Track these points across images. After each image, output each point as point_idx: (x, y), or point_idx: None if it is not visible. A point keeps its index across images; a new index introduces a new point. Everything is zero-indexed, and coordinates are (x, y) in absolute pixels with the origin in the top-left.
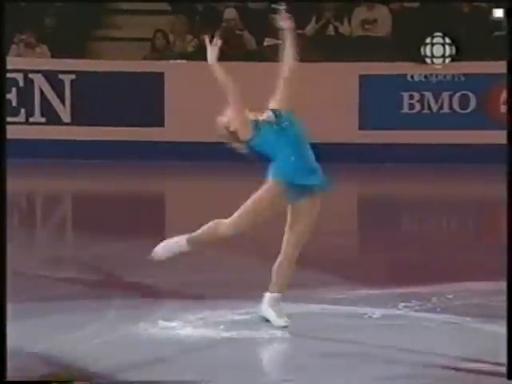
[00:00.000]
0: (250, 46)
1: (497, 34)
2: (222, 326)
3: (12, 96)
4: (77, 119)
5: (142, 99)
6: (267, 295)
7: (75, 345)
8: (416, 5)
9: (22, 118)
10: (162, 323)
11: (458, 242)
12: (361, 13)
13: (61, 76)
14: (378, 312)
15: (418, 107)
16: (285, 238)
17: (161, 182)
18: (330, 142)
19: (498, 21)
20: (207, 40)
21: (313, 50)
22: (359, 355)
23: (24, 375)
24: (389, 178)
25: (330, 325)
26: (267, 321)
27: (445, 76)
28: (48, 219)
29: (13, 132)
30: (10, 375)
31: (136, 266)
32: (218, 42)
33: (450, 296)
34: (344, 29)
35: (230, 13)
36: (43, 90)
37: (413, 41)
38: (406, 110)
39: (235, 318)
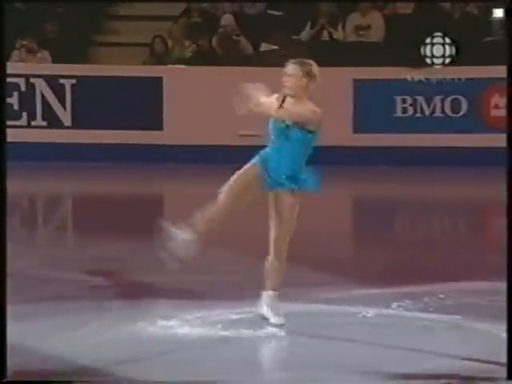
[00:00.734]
0: (246, 51)
1: (488, 39)
2: (219, 325)
3: (14, 100)
4: (77, 123)
5: (141, 103)
6: (263, 294)
7: (75, 344)
8: (409, 10)
9: (23, 121)
10: (160, 322)
11: (450, 242)
12: (355, 19)
13: (62, 80)
14: (371, 311)
15: (410, 111)
16: (270, 236)
17: (160, 185)
18: (325, 145)
19: (488, 26)
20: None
21: (308, 55)
22: (353, 354)
23: (24, 375)
24: (382, 180)
25: (324, 324)
26: (265, 319)
27: (437, 80)
28: (49, 220)
29: (15, 135)
30: (10, 375)
31: (134, 267)
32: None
33: (442, 296)
34: (338, 34)
35: (226, 18)
36: (44, 94)
37: (405, 45)
38: (399, 113)
39: (232, 316)
